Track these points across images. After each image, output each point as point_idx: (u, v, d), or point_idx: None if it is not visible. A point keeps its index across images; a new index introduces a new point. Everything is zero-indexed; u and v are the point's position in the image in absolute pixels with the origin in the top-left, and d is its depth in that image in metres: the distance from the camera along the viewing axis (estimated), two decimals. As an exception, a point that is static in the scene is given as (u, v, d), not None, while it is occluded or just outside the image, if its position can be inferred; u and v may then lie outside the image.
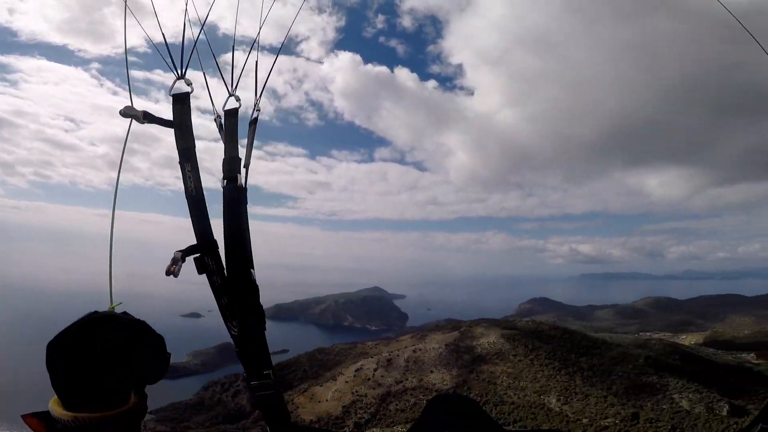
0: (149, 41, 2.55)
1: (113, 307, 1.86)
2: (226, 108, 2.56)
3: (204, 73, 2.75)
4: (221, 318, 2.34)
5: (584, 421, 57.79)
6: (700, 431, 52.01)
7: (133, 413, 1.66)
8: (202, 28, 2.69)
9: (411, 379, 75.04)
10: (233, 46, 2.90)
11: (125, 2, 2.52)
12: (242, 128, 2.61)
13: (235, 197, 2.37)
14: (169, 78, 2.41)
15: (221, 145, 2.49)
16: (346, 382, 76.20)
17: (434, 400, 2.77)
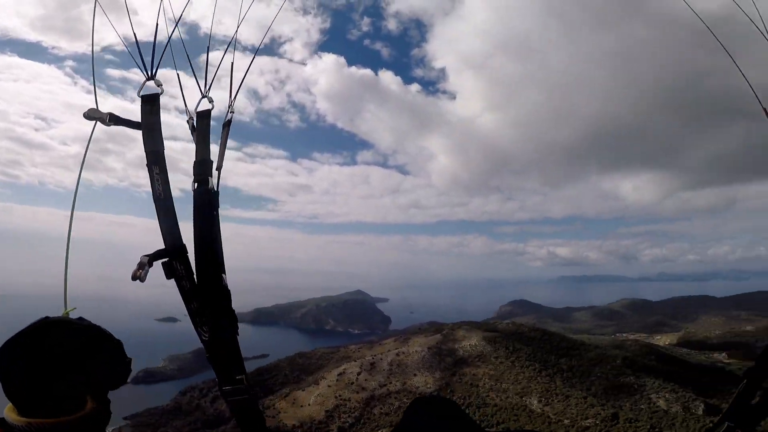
0: (134, 39, 2.49)
1: (67, 312, 1.88)
2: (198, 109, 2.53)
3: (178, 74, 2.73)
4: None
5: (566, 422, 58.52)
6: (678, 430, 53.22)
7: (91, 419, 1.67)
8: (176, 25, 2.66)
9: (395, 383, 74.72)
10: (208, 47, 2.86)
11: (95, 1, 2.47)
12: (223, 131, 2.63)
13: (206, 200, 2.31)
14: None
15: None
16: (329, 386, 75.32)
17: (415, 402, 2.80)
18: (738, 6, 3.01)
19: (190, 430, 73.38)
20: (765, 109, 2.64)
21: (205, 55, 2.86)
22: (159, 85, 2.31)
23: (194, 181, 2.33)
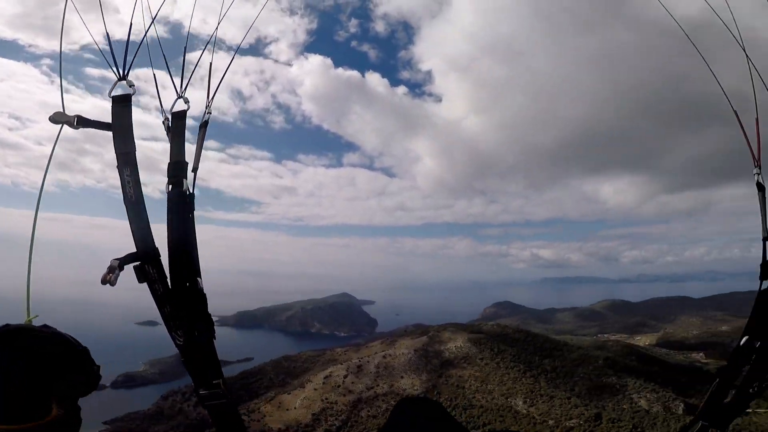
0: (106, 38, 2.40)
1: (30, 320, 1.87)
2: (174, 110, 2.49)
3: (154, 74, 2.69)
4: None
5: (550, 422, 59.27)
6: (660, 430, 54.39)
7: (57, 425, 1.68)
8: (151, 23, 2.60)
9: (382, 385, 74.64)
10: (185, 47, 2.82)
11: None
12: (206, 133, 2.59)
13: (180, 203, 2.29)
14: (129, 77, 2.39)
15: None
16: (315, 389, 74.79)
17: (401, 403, 2.83)
18: (714, 12, 3.03)
19: (173, 436, 72.12)
20: (737, 114, 2.72)
21: (189, 55, 2.82)
22: (131, 85, 2.27)
23: (168, 183, 2.31)
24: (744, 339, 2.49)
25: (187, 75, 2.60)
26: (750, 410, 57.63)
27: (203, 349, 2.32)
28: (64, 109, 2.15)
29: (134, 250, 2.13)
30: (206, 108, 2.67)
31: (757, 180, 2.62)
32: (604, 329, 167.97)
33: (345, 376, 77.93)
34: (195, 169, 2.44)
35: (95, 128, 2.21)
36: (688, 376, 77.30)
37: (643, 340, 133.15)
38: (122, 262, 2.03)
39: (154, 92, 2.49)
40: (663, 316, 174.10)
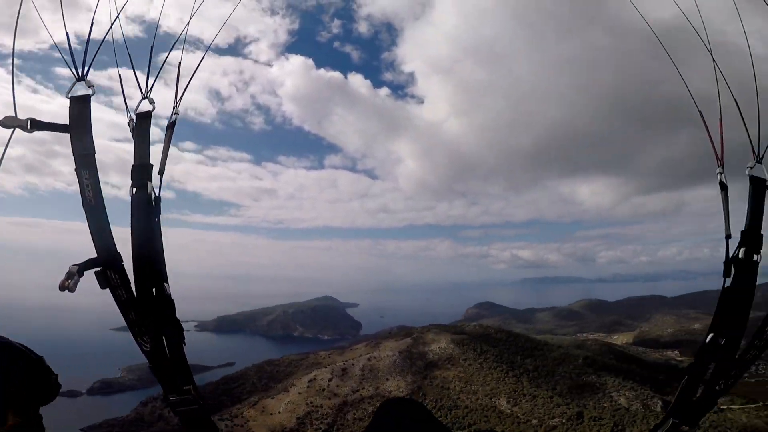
0: (78, 37, 2.43)
1: None
2: (138, 111, 2.43)
3: (119, 74, 2.64)
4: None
5: (534, 421, 60.21)
6: (639, 427, 55.83)
7: None
8: (115, 20, 2.53)
9: (367, 388, 74.53)
10: (152, 47, 2.74)
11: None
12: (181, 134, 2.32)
13: (145, 207, 2.26)
14: (98, 76, 2.33)
15: (158, 149, 2.43)
16: (300, 393, 74.13)
17: (384, 404, 2.87)
18: (685, 16, 3.11)
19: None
20: (702, 114, 2.80)
21: (163, 55, 2.77)
22: (90, 85, 2.21)
23: (132, 187, 2.27)
24: (709, 336, 2.53)
25: (153, 75, 2.56)
26: (725, 407, 59.82)
27: (172, 355, 2.31)
28: (15, 113, 2.09)
29: (95, 255, 2.09)
30: (173, 108, 2.64)
31: (720, 179, 2.67)
32: (582, 328, 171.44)
33: (330, 380, 77.46)
34: (161, 172, 2.40)
35: (51, 131, 2.14)
36: (664, 374, 79.71)
37: (620, 339, 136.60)
38: (82, 268, 1.99)
39: (128, 92, 2.43)
40: (638, 315, 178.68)
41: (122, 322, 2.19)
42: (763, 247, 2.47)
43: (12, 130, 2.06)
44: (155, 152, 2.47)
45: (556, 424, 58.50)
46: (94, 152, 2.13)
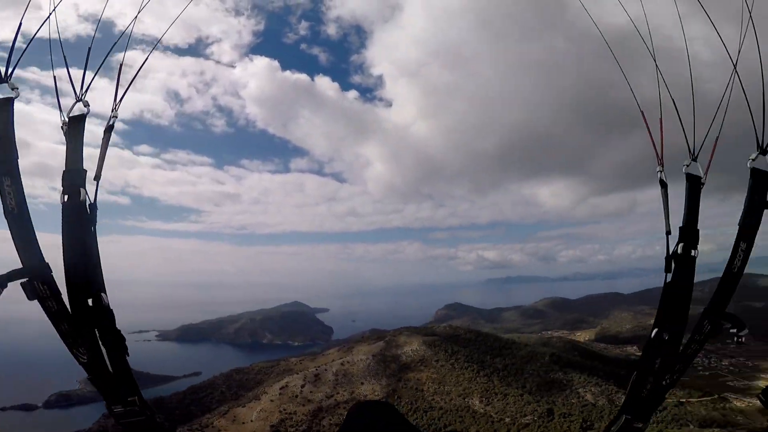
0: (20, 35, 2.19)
1: None
2: (72, 114, 2.35)
3: (54, 76, 2.52)
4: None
5: (507, 420, 61.84)
6: (607, 422, 58.65)
7: None
8: (47, 18, 2.45)
9: (342, 393, 73.95)
10: (89, 48, 2.60)
11: None
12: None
13: (76, 214, 2.20)
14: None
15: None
16: (272, 400, 72.64)
17: (355, 408, 2.91)
18: (632, 22, 3.26)
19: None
20: (643, 115, 2.99)
21: (119, 55, 2.70)
22: (14, 87, 2.14)
23: (63, 194, 2.19)
24: (654, 331, 2.58)
25: (85, 76, 2.45)
26: (683, 401, 63.90)
27: (115, 365, 2.27)
28: None
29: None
30: (112, 111, 2.55)
31: (660, 177, 2.78)
32: (547, 326, 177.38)
33: (302, 386, 76.35)
34: (97, 178, 2.33)
35: None
36: (625, 369, 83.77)
37: (582, 336, 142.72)
38: (5, 279, 1.97)
39: (90, 96, 2.36)
40: (599, 312, 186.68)
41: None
42: (699, 243, 2.57)
43: None
44: (94, 156, 2.41)
45: (529, 422, 60.42)
46: (17, 158, 2.06)
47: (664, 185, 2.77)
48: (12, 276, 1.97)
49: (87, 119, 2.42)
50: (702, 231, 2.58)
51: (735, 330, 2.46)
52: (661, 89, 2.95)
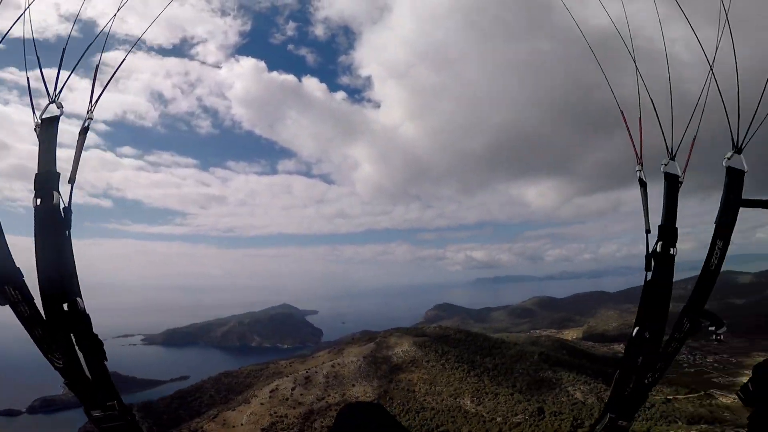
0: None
1: None
2: (44, 116, 2.32)
3: (28, 78, 2.55)
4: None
5: (498, 419, 62.17)
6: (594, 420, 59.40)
7: None
8: (20, 16, 2.45)
9: (333, 395, 73.59)
10: (64, 48, 2.58)
11: None
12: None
13: (50, 218, 2.16)
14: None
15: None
16: (262, 403, 72.01)
17: (345, 409, 2.99)
18: (613, 23, 3.33)
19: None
20: (623, 114, 3.05)
21: (100, 55, 2.67)
22: None
23: (36, 197, 2.16)
24: (635, 330, 2.65)
25: (59, 77, 2.42)
26: (671, 397, 64.89)
27: (93, 370, 2.26)
28: None
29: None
30: (87, 113, 2.51)
31: (639, 176, 2.82)
32: (535, 325, 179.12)
33: (293, 389, 75.80)
34: (72, 181, 2.30)
35: None
36: (613, 368, 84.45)
37: (570, 334, 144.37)
38: None
39: (71, 98, 2.39)
40: (586, 310, 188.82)
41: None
42: (679, 241, 2.61)
43: None
44: (72, 158, 2.38)
45: (520, 421, 60.87)
46: None
47: (643, 184, 2.82)
48: None
49: (67, 121, 2.39)
50: (682, 229, 2.61)
51: (714, 327, 2.50)
52: (640, 90, 3.00)
